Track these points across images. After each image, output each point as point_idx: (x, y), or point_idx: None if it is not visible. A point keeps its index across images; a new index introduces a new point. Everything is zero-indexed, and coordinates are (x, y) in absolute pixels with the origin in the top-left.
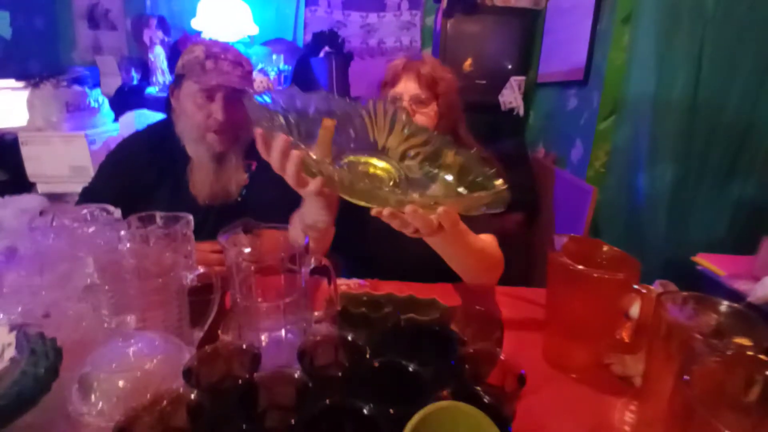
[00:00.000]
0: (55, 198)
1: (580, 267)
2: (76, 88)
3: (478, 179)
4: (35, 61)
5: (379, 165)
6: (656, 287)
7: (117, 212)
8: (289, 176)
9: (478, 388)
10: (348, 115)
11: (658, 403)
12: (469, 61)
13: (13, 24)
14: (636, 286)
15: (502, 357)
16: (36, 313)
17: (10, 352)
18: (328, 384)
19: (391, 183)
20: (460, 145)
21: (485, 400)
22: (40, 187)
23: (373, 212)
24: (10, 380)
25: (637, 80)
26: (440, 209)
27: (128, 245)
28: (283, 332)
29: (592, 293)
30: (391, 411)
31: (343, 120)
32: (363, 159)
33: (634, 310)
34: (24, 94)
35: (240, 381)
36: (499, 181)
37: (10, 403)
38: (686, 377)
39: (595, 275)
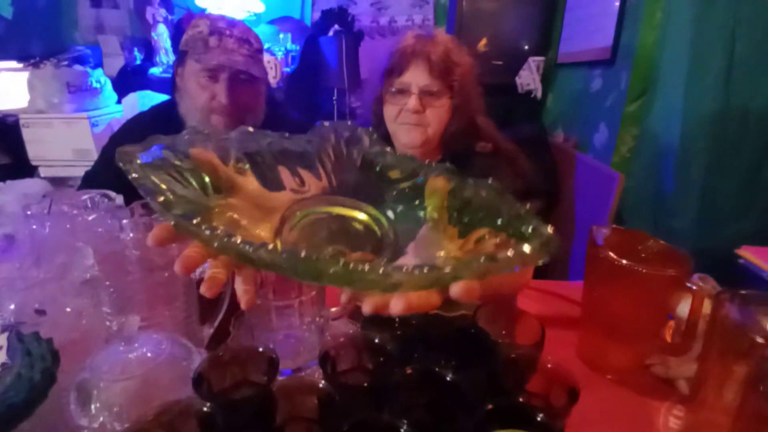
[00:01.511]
0: (58, 182)
1: (626, 262)
2: (78, 68)
3: (502, 221)
4: (37, 41)
5: (358, 217)
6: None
7: (119, 198)
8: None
9: (526, 402)
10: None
11: (712, 409)
12: (484, 41)
13: (14, 3)
14: (689, 284)
15: (549, 365)
16: (31, 310)
17: (2, 357)
18: (355, 393)
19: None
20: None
21: (538, 419)
22: (43, 171)
23: (344, 299)
24: (3, 387)
25: (669, 59)
26: (457, 288)
27: (131, 235)
28: (298, 331)
29: (638, 290)
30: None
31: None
32: (325, 209)
33: (681, 309)
34: (25, 75)
35: (256, 390)
36: (544, 227)
37: (5, 413)
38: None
39: (644, 271)
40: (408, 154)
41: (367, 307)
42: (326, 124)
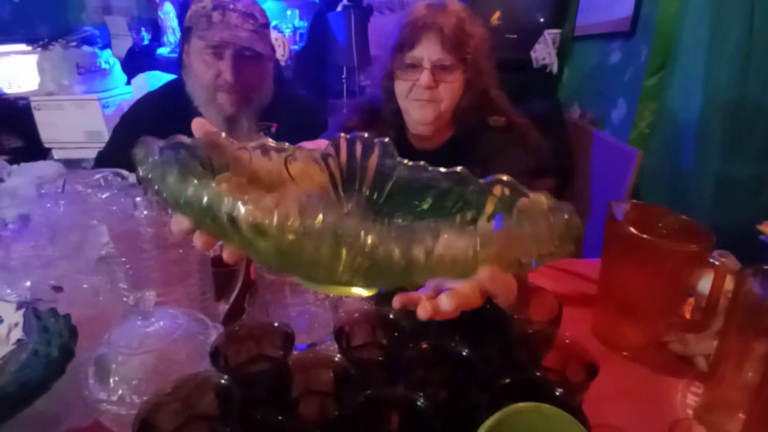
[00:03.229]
0: (71, 164)
1: (647, 237)
2: (86, 49)
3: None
4: (44, 23)
5: None
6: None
7: (132, 177)
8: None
9: (544, 378)
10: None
11: (732, 386)
12: (497, 14)
13: None
14: (711, 260)
15: (567, 341)
16: (47, 288)
17: (18, 334)
18: (370, 368)
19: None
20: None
21: (556, 394)
22: (56, 154)
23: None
24: (18, 364)
25: (689, 32)
26: (482, 273)
27: (145, 212)
28: (312, 307)
29: (659, 266)
30: (448, 406)
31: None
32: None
33: (702, 285)
34: (34, 58)
35: (273, 363)
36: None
37: (19, 390)
38: None
39: (665, 246)
40: (420, 162)
41: (397, 302)
42: (342, 135)
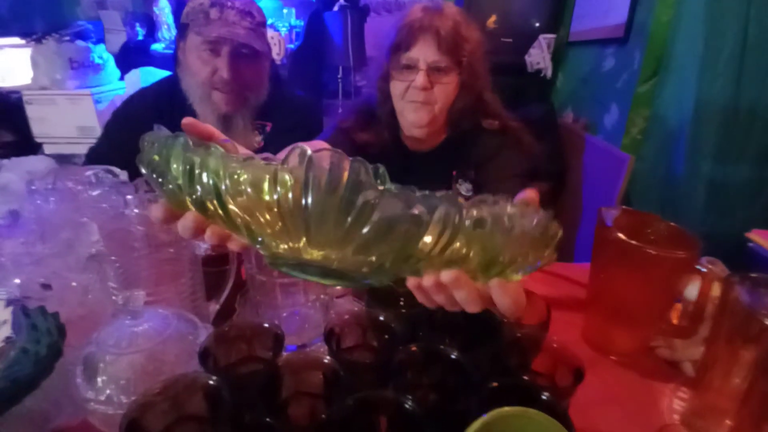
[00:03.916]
0: (62, 159)
1: (635, 243)
2: (80, 43)
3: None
4: (39, 17)
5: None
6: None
7: (123, 174)
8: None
9: (531, 381)
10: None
11: (718, 393)
12: (493, 18)
13: None
14: (698, 266)
15: (555, 345)
16: (36, 285)
17: (6, 331)
18: (360, 370)
19: None
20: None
21: (543, 398)
22: (47, 149)
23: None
24: (7, 362)
25: (682, 40)
26: (492, 283)
27: (136, 211)
28: (303, 308)
29: (647, 272)
30: (437, 409)
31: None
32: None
33: (689, 292)
34: (27, 52)
35: (262, 364)
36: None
37: (7, 387)
38: None
39: (653, 253)
40: (409, 186)
41: (412, 283)
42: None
